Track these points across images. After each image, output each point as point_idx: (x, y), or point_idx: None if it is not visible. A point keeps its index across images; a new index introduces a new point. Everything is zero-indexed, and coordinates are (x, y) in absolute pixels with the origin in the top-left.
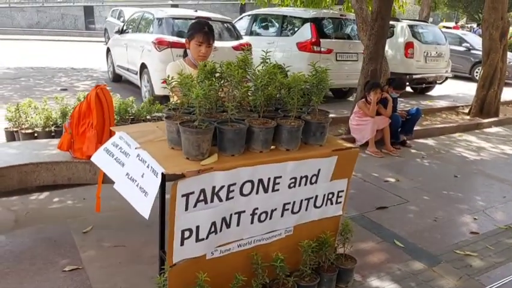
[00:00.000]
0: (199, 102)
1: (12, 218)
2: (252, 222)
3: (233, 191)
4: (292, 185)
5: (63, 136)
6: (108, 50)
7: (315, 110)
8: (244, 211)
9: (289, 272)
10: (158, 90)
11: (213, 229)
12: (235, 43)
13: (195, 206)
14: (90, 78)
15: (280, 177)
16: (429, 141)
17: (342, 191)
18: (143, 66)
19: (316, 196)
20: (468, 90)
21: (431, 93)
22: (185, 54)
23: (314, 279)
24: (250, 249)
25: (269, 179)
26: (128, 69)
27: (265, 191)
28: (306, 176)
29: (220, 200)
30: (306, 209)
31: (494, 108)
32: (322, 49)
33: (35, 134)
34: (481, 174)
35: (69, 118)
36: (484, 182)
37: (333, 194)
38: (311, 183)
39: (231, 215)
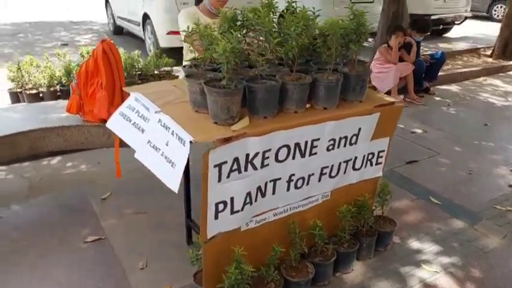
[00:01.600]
0: (227, 57)
1: (26, 185)
2: (288, 190)
3: (268, 157)
4: (331, 147)
5: (71, 98)
6: (107, 0)
7: (353, 61)
8: (280, 178)
9: (327, 239)
10: (164, 43)
11: (248, 200)
12: None
13: (228, 176)
14: (90, 32)
15: (318, 139)
16: (453, 87)
17: (383, 151)
18: (145, 17)
19: (356, 157)
20: (487, 30)
21: (449, 34)
22: (197, 2)
23: (354, 245)
24: (286, 217)
25: (306, 142)
26: (129, 21)
27: (302, 155)
28: (346, 137)
29: (255, 168)
30: (345, 172)
31: None
32: None
33: (40, 95)
34: None
35: (75, 78)
36: None
37: (373, 154)
38: (351, 144)
39: (266, 183)
